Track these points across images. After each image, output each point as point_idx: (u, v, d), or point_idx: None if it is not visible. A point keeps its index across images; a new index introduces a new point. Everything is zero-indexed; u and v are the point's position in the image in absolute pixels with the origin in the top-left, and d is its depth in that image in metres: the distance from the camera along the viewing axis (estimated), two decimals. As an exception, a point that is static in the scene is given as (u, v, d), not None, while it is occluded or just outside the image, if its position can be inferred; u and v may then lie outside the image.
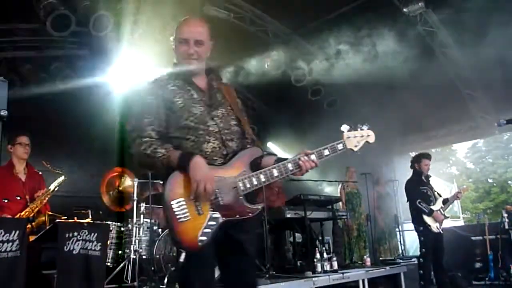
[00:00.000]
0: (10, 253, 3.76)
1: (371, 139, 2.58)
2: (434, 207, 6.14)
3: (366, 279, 6.00)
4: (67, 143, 7.80)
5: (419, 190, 6.25)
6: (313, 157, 2.37)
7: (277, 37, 8.29)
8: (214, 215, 2.17)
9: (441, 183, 14.89)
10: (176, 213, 2.11)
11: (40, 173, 5.13)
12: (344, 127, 2.52)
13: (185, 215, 2.12)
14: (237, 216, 2.25)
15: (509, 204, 7.96)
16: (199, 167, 2.15)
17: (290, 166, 2.35)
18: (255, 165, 2.40)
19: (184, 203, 2.14)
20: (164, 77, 2.45)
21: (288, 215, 6.58)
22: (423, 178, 6.39)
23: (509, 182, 23.98)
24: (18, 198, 4.66)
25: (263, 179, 2.30)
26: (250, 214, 2.28)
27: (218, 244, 2.19)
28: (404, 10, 6.88)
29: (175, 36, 2.46)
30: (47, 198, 4.82)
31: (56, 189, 4.96)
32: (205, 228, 2.14)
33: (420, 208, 6.05)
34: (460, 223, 13.58)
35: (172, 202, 2.13)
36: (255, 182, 2.29)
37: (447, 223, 6.99)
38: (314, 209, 6.87)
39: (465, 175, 26.50)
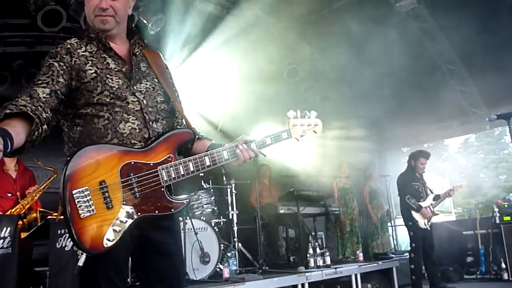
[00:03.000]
0: (1, 250, 3.75)
1: (319, 129, 2.30)
2: (423, 204, 6.19)
3: (358, 274, 6.03)
4: (58, 139, 7.76)
5: (410, 186, 6.30)
6: (253, 145, 2.07)
7: (270, 32, 8.27)
8: (127, 210, 1.77)
9: (433, 178, 14.99)
10: (78, 205, 1.67)
11: (31, 170, 5.10)
12: (291, 113, 2.23)
13: (89, 208, 1.69)
14: (156, 212, 1.84)
15: (500, 199, 8.00)
16: None
17: (225, 154, 2.01)
18: (185, 150, 2.10)
19: (88, 193, 1.70)
20: (73, 41, 1.97)
21: (281, 211, 6.60)
22: (417, 174, 6.43)
23: (501, 177, 24.16)
24: (9, 195, 4.64)
25: (191, 168, 1.92)
26: (172, 209, 1.88)
27: (131, 246, 1.84)
28: (396, 5, 6.89)
29: None
30: (38, 195, 4.80)
31: (47, 186, 4.93)
32: (114, 225, 1.73)
33: (408, 203, 6.10)
34: (452, 218, 13.68)
35: (74, 192, 1.67)
36: (182, 172, 1.90)
37: (439, 218, 7.04)
38: (307, 204, 6.90)
39: (457, 170, 26.65)
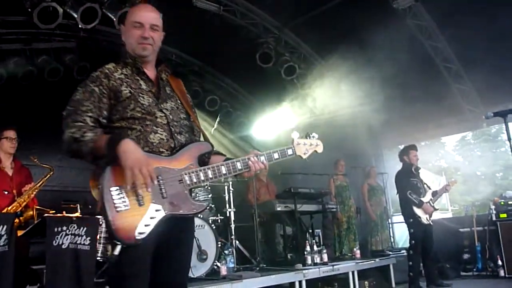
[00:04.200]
0: (-2, 247, 3.73)
1: (319, 149, 2.60)
2: (424, 199, 6.20)
3: (356, 271, 6.05)
4: (55, 137, 7.74)
5: (409, 182, 6.31)
6: (262, 158, 2.35)
7: (267, 30, 8.27)
8: (156, 208, 2.00)
9: (430, 176, 15.03)
10: (115, 201, 1.92)
11: (28, 167, 5.08)
12: (294, 134, 2.51)
13: (124, 204, 1.93)
14: (181, 211, 2.09)
15: (496, 196, 8.02)
16: (130, 151, 1.95)
17: (239, 165, 2.29)
18: (203, 162, 2.32)
19: (123, 191, 1.95)
20: (111, 66, 2.29)
21: (279, 208, 6.60)
22: (413, 170, 6.44)
23: (497, 174, 24.23)
24: (6, 192, 4.63)
25: (210, 175, 2.19)
26: (194, 211, 2.14)
27: (156, 241, 2.04)
28: (394, 3, 6.89)
29: (127, 20, 2.34)
30: (34, 193, 4.78)
31: (43, 183, 4.92)
32: (146, 220, 1.96)
33: (410, 199, 6.10)
34: (449, 215, 13.73)
35: (111, 189, 1.94)
36: (202, 177, 2.17)
37: (436, 215, 7.07)
38: (304, 202, 6.90)
39: (453, 168, 26.71)
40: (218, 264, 5.21)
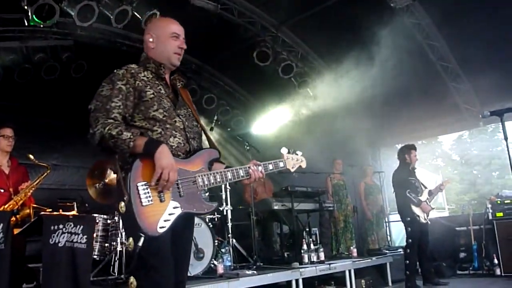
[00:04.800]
0: (-6, 246, 3.72)
1: (304, 164, 2.87)
2: (421, 198, 6.22)
3: (352, 270, 6.05)
4: (52, 135, 7.72)
5: (407, 181, 6.32)
6: (260, 168, 2.59)
7: (265, 29, 8.26)
8: (174, 205, 2.20)
9: (427, 175, 15.06)
10: (141, 195, 2.11)
11: (24, 166, 5.06)
12: (284, 150, 2.80)
13: (148, 198, 2.12)
14: (194, 210, 2.30)
15: (493, 195, 8.05)
16: (166, 155, 2.17)
17: (241, 172, 2.52)
18: (209, 167, 2.51)
19: (148, 186, 2.14)
20: (135, 66, 2.44)
21: (276, 207, 6.60)
22: (410, 169, 6.45)
23: (493, 174, 24.32)
24: (2, 190, 4.60)
25: (218, 179, 2.41)
26: (205, 210, 2.36)
27: (171, 236, 2.21)
28: (391, 2, 6.89)
29: (163, 30, 2.52)
30: (31, 191, 4.76)
31: (40, 182, 4.90)
32: (166, 215, 2.15)
33: (409, 198, 6.11)
34: (445, 214, 13.76)
35: (138, 184, 2.12)
36: (212, 181, 2.39)
37: (433, 214, 7.08)
38: (301, 200, 6.91)
39: (450, 166, 26.81)
40: (215, 262, 5.21)
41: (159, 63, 2.49)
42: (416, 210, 6.15)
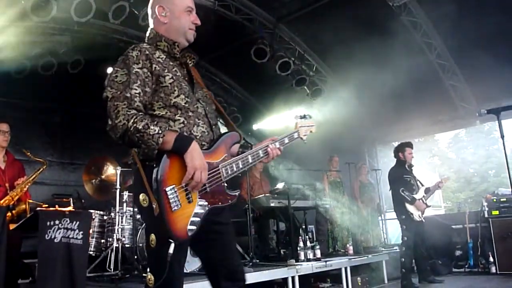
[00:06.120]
0: (-11, 241, 3.70)
1: (314, 129, 2.68)
2: (416, 196, 6.22)
3: (348, 267, 6.07)
4: (48, 131, 7.70)
5: (402, 179, 6.32)
6: (277, 144, 2.41)
7: (262, 26, 8.25)
8: (201, 203, 2.06)
9: (423, 173, 15.11)
10: (171, 201, 1.93)
11: (20, 161, 5.05)
12: (296, 117, 2.63)
13: (177, 203, 1.95)
14: (220, 203, 2.15)
15: (489, 193, 8.07)
16: (198, 153, 1.99)
17: (261, 153, 2.35)
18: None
19: (176, 190, 1.97)
20: (147, 46, 2.16)
21: (272, 204, 6.61)
22: (406, 167, 6.46)
23: (490, 172, 24.38)
24: (-2, 186, 4.60)
25: (241, 166, 2.24)
26: (229, 201, 2.20)
27: (197, 232, 2.04)
28: (389, 0, 6.90)
29: (175, 3, 2.26)
30: (27, 186, 4.76)
31: (36, 177, 4.89)
32: (194, 216, 2.01)
33: (403, 196, 6.12)
34: (441, 212, 13.81)
35: (167, 189, 1.93)
36: (235, 169, 2.21)
37: (429, 212, 7.10)
38: (297, 198, 6.91)
39: (447, 165, 26.85)
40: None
41: (172, 41, 2.23)
42: (410, 208, 6.15)
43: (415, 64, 7.33)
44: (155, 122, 1.99)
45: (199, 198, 2.06)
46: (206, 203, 2.08)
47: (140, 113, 1.97)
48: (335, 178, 8.42)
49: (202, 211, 2.06)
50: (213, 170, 2.12)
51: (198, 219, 2.02)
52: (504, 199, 7.35)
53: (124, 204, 5.73)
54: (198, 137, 2.12)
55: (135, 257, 5.34)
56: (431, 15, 7.52)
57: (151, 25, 2.31)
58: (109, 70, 2.23)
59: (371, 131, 9.99)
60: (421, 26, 7.70)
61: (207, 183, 2.07)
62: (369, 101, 8.14)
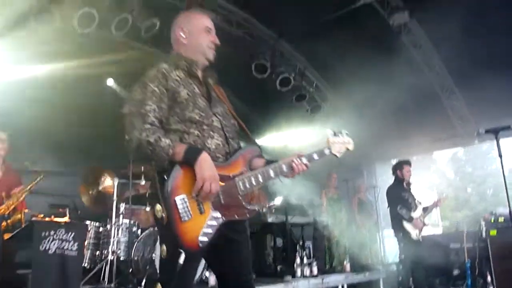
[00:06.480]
0: (-17, 251, 3.67)
1: (351, 146, 2.61)
2: (414, 215, 6.20)
3: (345, 285, 6.03)
4: (46, 141, 7.68)
5: (400, 197, 6.31)
6: (304, 160, 2.37)
7: (263, 41, 8.30)
8: (215, 215, 2.07)
9: (421, 191, 15.08)
10: (180, 211, 1.98)
11: (17, 171, 5.03)
12: (329, 132, 2.55)
13: (187, 213, 1.99)
14: (236, 216, 2.15)
15: (487, 213, 8.05)
16: (208, 165, 2.04)
17: (284, 167, 2.32)
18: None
19: (187, 200, 2.01)
20: (166, 65, 2.29)
21: (269, 219, 6.58)
22: (405, 185, 6.45)
23: (488, 191, 24.36)
24: (-7, 195, 4.57)
25: (260, 180, 2.24)
26: (247, 215, 2.20)
27: (212, 245, 2.07)
28: (389, 19, 6.95)
29: (195, 24, 2.43)
30: (24, 196, 4.73)
31: (33, 187, 4.87)
32: (206, 227, 2.03)
33: (400, 214, 6.10)
34: (439, 230, 13.75)
35: (176, 199, 1.98)
36: (254, 182, 2.22)
37: (426, 231, 7.06)
38: (295, 213, 6.89)
39: (445, 183, 26.85)
40: (207, 274, 5.17)
41: (191, 60, 2.37)
42: (407, 226, 6.13)
43: (414, 83, 7.36)
44: (167, 136, 2.09)
45: (212, 210, 2.07)
46: (220, 215, 2.09)
47: (153, 127, 2.06)
48: (333, 195, 8.40)
49: (215, 223, 2.06)
50: (229, 183, 2.15)
51: (211, 230, 2.03)
52: (502, 219, 7.31)
53: (121, 216, 5.69)
54: (212, 150, 2.18)
55: (130, 270, 5.29)
56: (431, 35, 7.58)
57: (174, 47, 2.45)
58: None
59: (369, 149, 9.99)
60: (420, 45, 7.76)
61: (221, 194, 2.09)
62: (368, 119, 8.15)
